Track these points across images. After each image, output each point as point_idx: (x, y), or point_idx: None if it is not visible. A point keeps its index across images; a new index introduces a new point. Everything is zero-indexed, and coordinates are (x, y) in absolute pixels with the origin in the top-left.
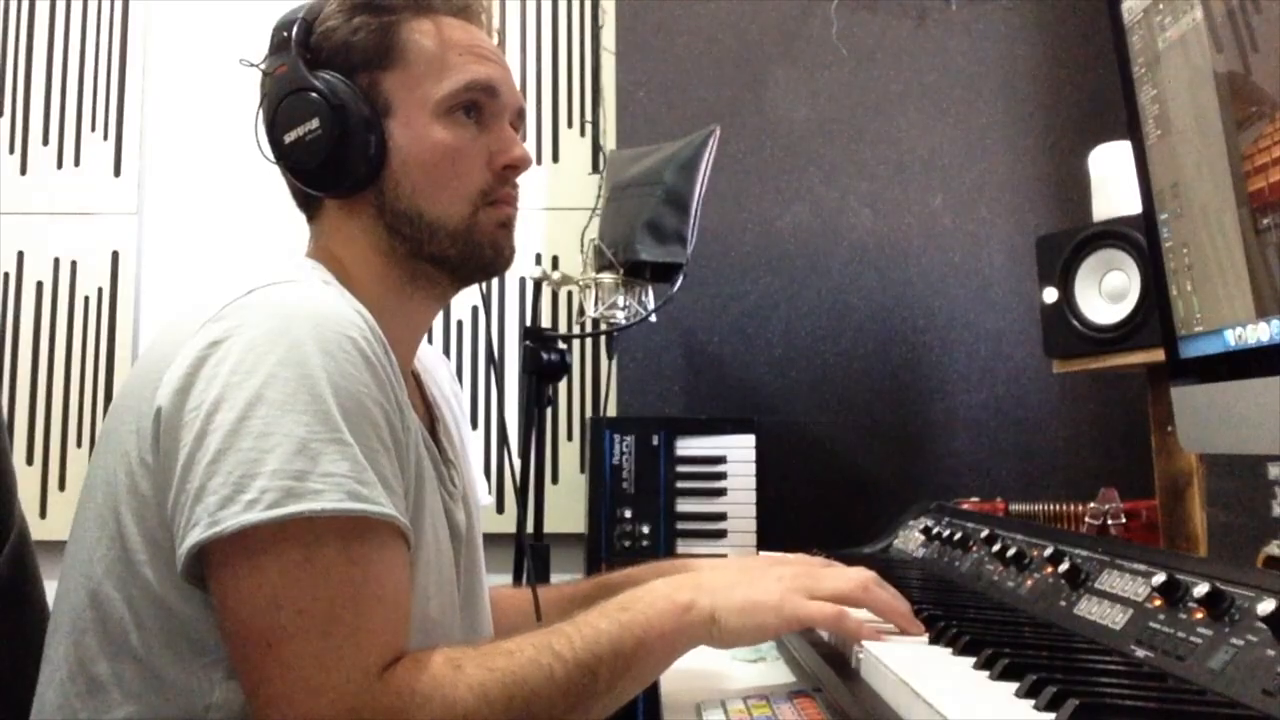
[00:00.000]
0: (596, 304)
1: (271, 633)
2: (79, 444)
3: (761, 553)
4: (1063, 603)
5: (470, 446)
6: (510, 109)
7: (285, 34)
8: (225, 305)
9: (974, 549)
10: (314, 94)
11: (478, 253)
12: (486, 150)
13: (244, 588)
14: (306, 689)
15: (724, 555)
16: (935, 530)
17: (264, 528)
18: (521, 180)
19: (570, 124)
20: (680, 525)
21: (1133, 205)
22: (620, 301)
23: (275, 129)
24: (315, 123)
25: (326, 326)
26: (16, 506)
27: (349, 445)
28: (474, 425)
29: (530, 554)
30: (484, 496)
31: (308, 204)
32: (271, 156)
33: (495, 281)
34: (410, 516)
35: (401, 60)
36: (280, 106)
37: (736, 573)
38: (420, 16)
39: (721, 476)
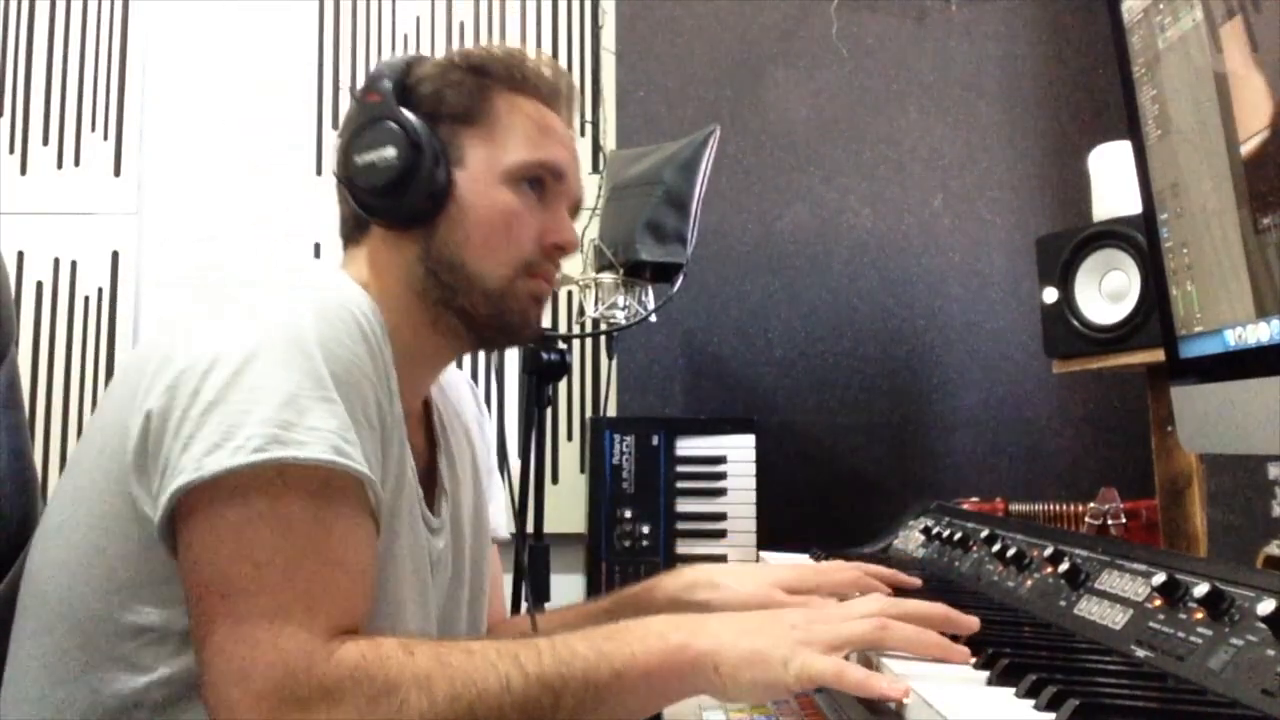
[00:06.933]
0: (596, 304)
1: (227, 583)
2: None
3: (763, 554)
4: (1063, 603)
5: (495, 479)
6: (571, 197)
7: (384, 70)
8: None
9: (974, 549)
10: (396, 125)
11: (506, 317)
12: (541, 225)
13: (212, 535)
14: (247, 642)
15: (724, 555)
16: (935, 530)
17: (240, 474)
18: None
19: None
20: (680, 525)
21: (1133, 205)
22: (620, 301)
23: (351, 149)
24: (391, 150)
25: (327, 298)
26: (39, 506)
27: (337, 404)
28: None
29: (530, 555)
30: (501, 530)
31: (356, 227)
32: (340, 175)
33: None
34: (384, 513)
35: (485, 122)
36: (361, 129)
37: (745, 619)
38: (514, 91)
39: (721, 476)
